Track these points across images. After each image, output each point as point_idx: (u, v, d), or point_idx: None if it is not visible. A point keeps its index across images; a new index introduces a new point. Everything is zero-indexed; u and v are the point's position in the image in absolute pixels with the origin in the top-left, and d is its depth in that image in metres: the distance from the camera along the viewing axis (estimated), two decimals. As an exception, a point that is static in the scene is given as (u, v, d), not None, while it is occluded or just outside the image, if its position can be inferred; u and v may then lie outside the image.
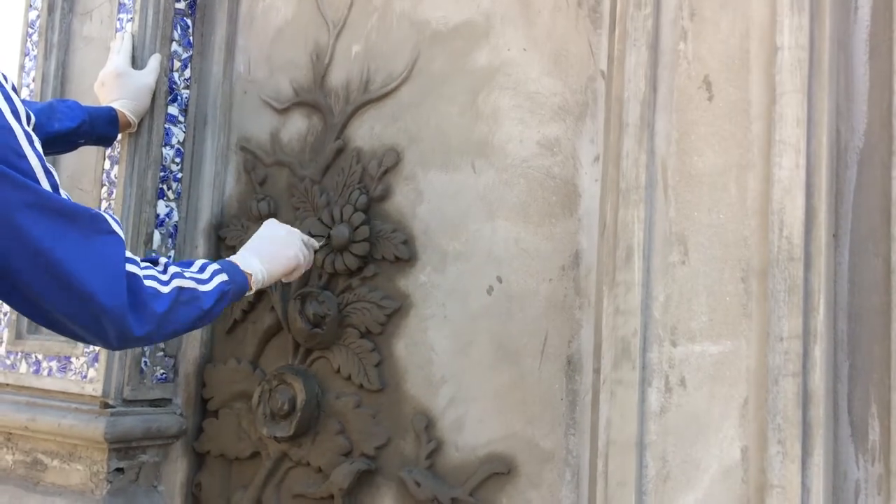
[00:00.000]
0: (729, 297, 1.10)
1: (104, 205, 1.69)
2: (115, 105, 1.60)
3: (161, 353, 1.71)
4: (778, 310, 1.04)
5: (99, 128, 1.56)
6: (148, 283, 1.08)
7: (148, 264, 1.13)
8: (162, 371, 1.72)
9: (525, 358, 1.39)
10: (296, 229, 1.49)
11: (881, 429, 1.05)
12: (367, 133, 1.63)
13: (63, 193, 1.01)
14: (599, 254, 1.29)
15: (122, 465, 1.65)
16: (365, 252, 1.55)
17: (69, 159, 1.82)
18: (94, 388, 1.62)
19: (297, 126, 1.73)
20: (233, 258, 1.33)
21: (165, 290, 1.11)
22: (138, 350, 1.65)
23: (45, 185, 0.97)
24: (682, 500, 1.09)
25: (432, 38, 1.56)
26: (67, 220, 0.97)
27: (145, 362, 1.67)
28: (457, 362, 1.46)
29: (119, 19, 1.72)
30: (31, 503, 1.68)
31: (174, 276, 1.14)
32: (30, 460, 1.73)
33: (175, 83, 1.74)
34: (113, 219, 1.06)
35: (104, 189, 1.70)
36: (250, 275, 1.31)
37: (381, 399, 1.54)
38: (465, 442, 1.43)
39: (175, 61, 1.74)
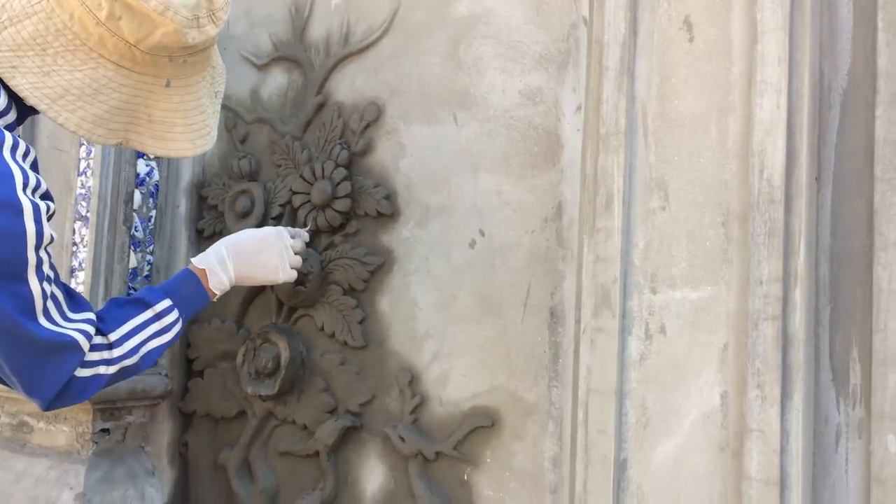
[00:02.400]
0: (709, 241, 1.08)
1: (83, 164, 1.67)
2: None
3: (145, 314, 1.70)
4: (758, 253, 1.02)
5: None
6: (88, 371, 1.09)
7: (98, 340, 1.12)
8: (146, 332, 1.71)
9: (508, 311, 1.38)
10: (280, 228, 1.40)
11: (862, 373, 1.04)
12: (348, 87, 1.60)
13: (54, 287, 1.05)
14: (581, 203, 1.27)
15: (107, 425, 1.65)
16: (347, 208, 1.53)
17: (48, 119, 1.79)
18: (78, 349, 1.61)
19: (277, 82, 1.70)
20: (197, 262, 1.28)
21: (113, 370, 1.13)
22: (121, 310, 1.63)
23: (39, 304, 1.01)
24: (662, 447, 1.09)
25: (412, -13, 1.52)
26: (32, 345, 1.02)
27: (129, 323, 1.66)
28: (440, 317, 1.45)
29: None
30: (18, 465, 1.69)
31: (118, 359, 1.13)
32: (16, 422, 1.73)
33: (152, 39, 1.70)
34: (83, 332, 1.07)
35: (83, 148, 1.68)
36: (213, 292, 1.27)
37: (366, 356, 1.53)
38: (449, 396, 1.43)
39: (152, 17, 1.70)
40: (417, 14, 1.52)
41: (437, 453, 1.42)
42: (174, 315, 1.20)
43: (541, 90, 1.37)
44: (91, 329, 1.09)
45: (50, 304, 1.04)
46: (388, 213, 1.51)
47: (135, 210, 1.68)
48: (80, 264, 1.62)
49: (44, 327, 1.03)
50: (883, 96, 1.02)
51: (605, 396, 1.12)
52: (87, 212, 1.63)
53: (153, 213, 1.71)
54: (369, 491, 1.50)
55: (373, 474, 1.50)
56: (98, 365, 1.11)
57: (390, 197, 1.51)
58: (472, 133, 1.44)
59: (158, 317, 1.19)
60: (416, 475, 1.43)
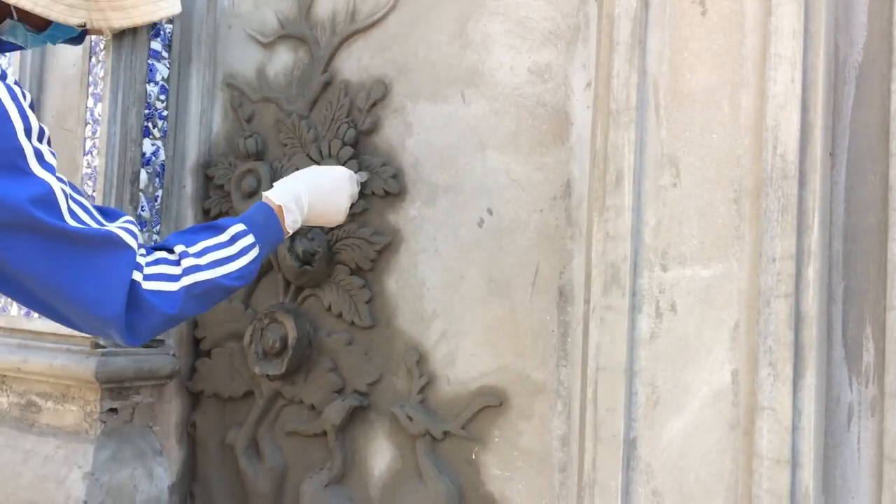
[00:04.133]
0: (721, 218, 1.07)
1: (89, 144, 1.66)
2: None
3: (152, 294, 1.69)
4: (771, 230, 1.01)
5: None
6: (151, 284, 1.03)
7: (162, 255, 1.07)
8: (153, 312, 1.70)
9: (516, 290, 1.37)
10: (346, 170, 1.39)
11: (875, 350, 1.02)
12: (354, 65, 1.58)
13: (76, 203, 1.00)
14: (591, 181, 1.26)
15: (115, 405, 1.65)
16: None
17: (53, 99, 1.78)
18: (85, 329, 1.61)
19: (283, 60, 1.68)
20: (274, 198, 1.22)
21: (174, 287, 1.05)
22: (128, 290, 1.63)
23: (62, 202, 0.97)
24: (672, 425, 1.08)
25: (419, -37, 1.50)
26: (66, 241, 0.97)
27: (136, 303, 1.66)
28: (448, 297, 1.44)
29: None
30: (27, 444, 1.69)
31: (187, 270, 1.06)
32: (24, 402, 1.73)
33: (157, 18, 1.69)
34: (126, 229, 1.02)
35: (88, 128, 1.67)
36: (287, 231, 1.22)
37: (373, 335, 1.52)
38: (456, 376, 1.42)
39: (157, -5, 1.68)
40: (424, -10, 1.50)
41: (445, 433, 1.41)
42: (250, 239, 1.13)
43: (550, 67, 1.36)
44: (135, 228, 1.03)
45: (75, 206, 0.98)
46: (395, 192, 1.50)
47: (141, 190, 1.67)
48: (86, 244, 1.62)
49: (74, 225, 0.96)
50: (899, 70, 1.01)
51: (615, 375, 1.11)
52: (94, 191, 1.62)
53: (159, 192, 1.71)
54: (377, 470, 1.50)
55: (380, 454, 1.50)
56: (167, 280, 1.04)
57: (397, 176, 1.50)
58: (480, 111, 1.42)
59: (233, 240, 1.12)
60: (424, 454, 1.43)
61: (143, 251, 1.06)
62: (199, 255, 1.09)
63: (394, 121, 1.52)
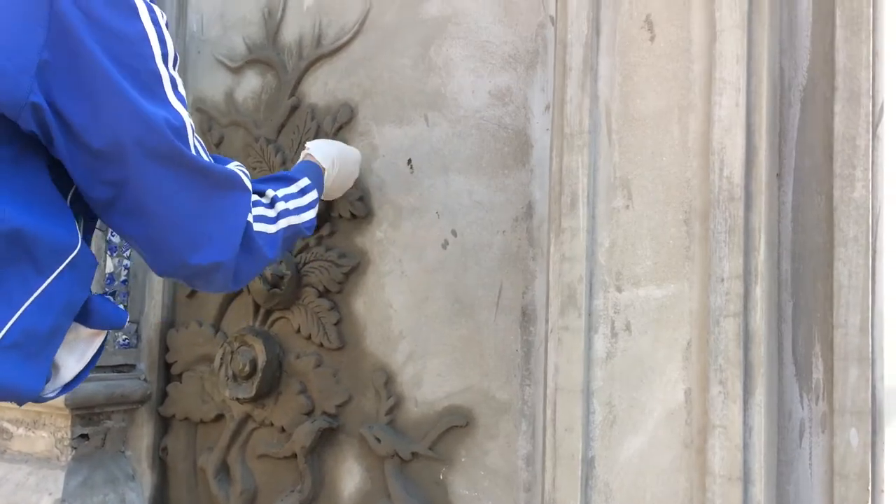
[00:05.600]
0: (672, 239, 1.08)
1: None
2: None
3: (123, 319, 1.70)
4: (719, 250, 1.03)
5: None
6: (258, 227, 1.04)
7: (257, 198, 1.08)
8: (124, 337, 1.71)
9: (481, 311, 1.39)
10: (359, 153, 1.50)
11: (825, 367, 1.04)
12: (321, 89, 1.60)
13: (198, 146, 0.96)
14: (549, 203, 1.28)
15: (86, 431, 1.65)
16: (321, 210, 1.54)
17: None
18: (55, 355, 1.61)
19: (251, 84, 1.70)
20: (319, 158, 1.33)
21: (273, 229, 1.08)
22: (98, 315, 1.63)
23: (189, 134, 0.92)
24: (629, 444, 1.09)
25: (383, -11, 1.53)
26: (199, 177, 0.93)
27: (106, 328, 1.66)
28: (414, 318, 1.45)
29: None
30: (-1, 471, 1.69)
31: (281, 214, 1.11)
32: (-5, 428, 1.73)
33: (126, 44, 1.70)
34: (244, 173, 1.02)
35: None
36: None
37: (342, 357, 1.53)
38: (423, 396, 1.43)
39: (125, 22, 1.70)
40: (388, 16, 1.52)
41: (413, 453, 1.42)
42: (315, 194, 1.21)
43: (510, 90, 1.38)
44: (246, 171, 1.02)
45: (198, 144, 0.94)
46: (361, 215, 1.51)
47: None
48: (56, 270, 1.62)
49: (203, 158, 0.92)
50: (842, 93, 1.03)
51: (573, 395, 1.12)
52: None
53: (129, 217, 1.71)
54: (346, 492, 1.51)
55: (350, 475, 1.51)
56: (267, 223, 1.06)
57: (364, 198, 1.52)
58: (443, 134, 1.44)
59: (303, 192, 1.19)
60: (393, 475, 1.44)
61: None
62: (286, 199, 1.14)
63: (360, 143, 1.54)
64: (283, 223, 1.10)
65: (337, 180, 1.40)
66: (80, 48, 0.81)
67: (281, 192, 1.14)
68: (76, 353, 0.96)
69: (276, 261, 1.13)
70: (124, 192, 0.88)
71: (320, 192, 1.27)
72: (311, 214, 1.19)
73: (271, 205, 1.10)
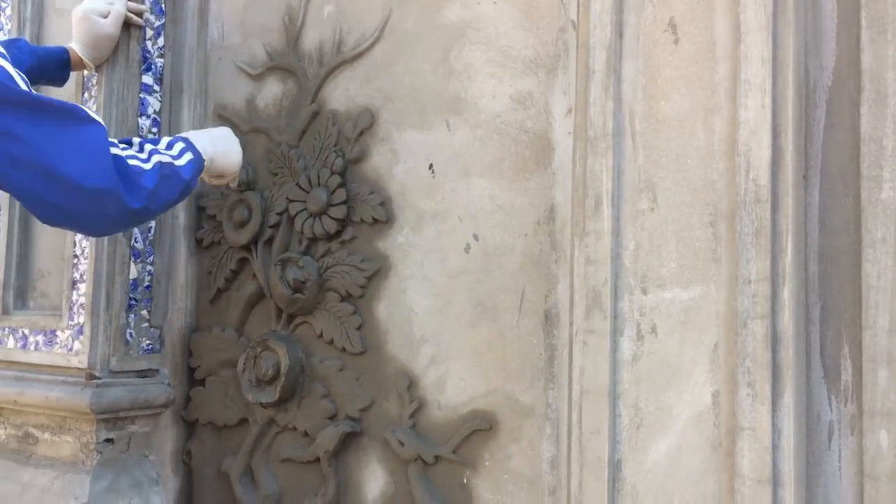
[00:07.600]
0: (698, 242, 1.08)
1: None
2: (74, 46, 1.59)
3: (146, 325, 1.71)
4: (746, 252, 1.03)
5: (48, 72, 1.57)
6: (131, 162, 1.18)
7: (125, 145, 1.23)
8: (148, 342, 1.72)
9: (503, 314, 1.39)
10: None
11: (853, 369, 1.04)
12: (341, 95, 1.61)
13: None
14: (572, 206, 1.28)
15: (111, 435, 1.66)
16: (343, 215, 1.55)
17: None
18: (80, 361, 1.63)
19: (272, 91, 1.71)
20: (188, 135, 1.42)
21: (147, 166, 1.22)
22: (123, 321, 1.65)
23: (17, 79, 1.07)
24: (655, 447, 1.09)
25: (403, -5, 1.54)
26: (43, 113, 1.05)
27: (130, 333, 1.68)
28: (437, 322, 1.46)
29: (89, -11, 1.70)
30: (24, 476, 1.70)
31: (151, 153, 1.25)
32: (21, 434, 1.75)
33: (148, 52, 1.72)
34: (89, 110, 1.16)
35: (82, 161, 1.69)
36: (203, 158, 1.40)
37: (364, 361, 1.54)
38: (446, 400, 1.44)
39: (147, 30, 1.72)
40: (408, 21, 1.53)
41: (437, 457, 1.42)
42: (183, 147, 1.35)
43: (531, 94, 1.38)
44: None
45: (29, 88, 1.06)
46: (383, 220, 1.52)
47: (134, 221, 1.69)
48: (81, 276, 1.64)
49: (37, 93, 1.05)
50: (868, 94, 1.03)
51: (598, 398, 1.12)
52: (87, 224, 1.65)
53: (152, 224, 1.73)
54: (370, 495, 1.51)
55: (373, 479, 1.51)
56: (140, 161, 1.19)
57: (385, 203, 1.52)
58: (465, 138, 1.45)
59: (170, 145, 1.33)
60: (416, 479, 1.44)
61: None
62: (155, 147, 1.29)
63: (381, 149, 1.55)
64: (155, 159, 1.24)
65: (217, 153, 1.48)
66: None
67: (149, 145, 1.29)
68: None
69: (161, 202, 1.24)
70: None
71: (195, 153, 1.37)
72: (184, 161, 1.31)
73: (141, 149, 1.25)
